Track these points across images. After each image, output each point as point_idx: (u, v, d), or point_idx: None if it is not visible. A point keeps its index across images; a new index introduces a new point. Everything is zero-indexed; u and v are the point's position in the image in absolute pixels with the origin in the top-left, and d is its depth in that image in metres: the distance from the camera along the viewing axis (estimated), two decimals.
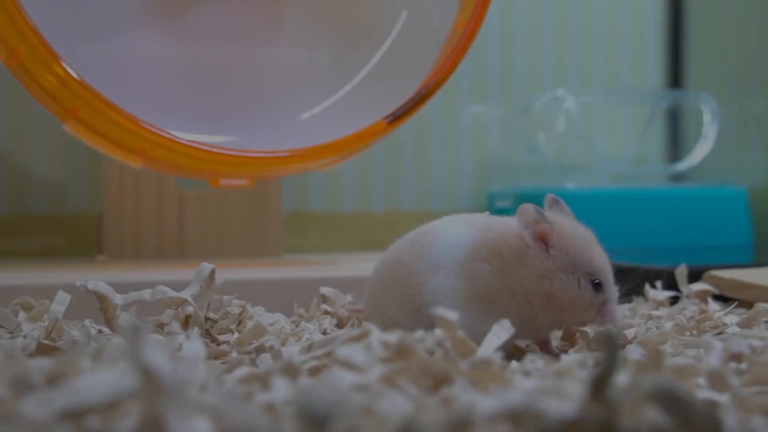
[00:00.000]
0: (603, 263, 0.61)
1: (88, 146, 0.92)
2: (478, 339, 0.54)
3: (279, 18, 1.05)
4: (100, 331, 0.66)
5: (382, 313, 0.65)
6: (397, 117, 0.95)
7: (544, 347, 0.64)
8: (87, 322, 0.67)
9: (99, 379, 0.35)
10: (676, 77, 1.48)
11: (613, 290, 0.61)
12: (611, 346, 0.34)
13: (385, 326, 0.58)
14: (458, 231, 0.63)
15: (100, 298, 0.65)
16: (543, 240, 0.61)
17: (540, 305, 0.60)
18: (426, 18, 1.03)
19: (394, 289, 0.65)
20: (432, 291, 0.62)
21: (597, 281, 0.60)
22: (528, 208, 0.60)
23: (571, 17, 1.44)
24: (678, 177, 1.45)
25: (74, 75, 0.84)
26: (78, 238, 1.18)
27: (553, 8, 1.43)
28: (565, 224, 0.62)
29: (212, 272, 0.67)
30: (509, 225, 0.62)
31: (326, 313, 0.78)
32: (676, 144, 1.48)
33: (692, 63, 1.47)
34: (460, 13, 0.99)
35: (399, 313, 0.64)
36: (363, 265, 0.94)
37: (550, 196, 0.65)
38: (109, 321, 0.65)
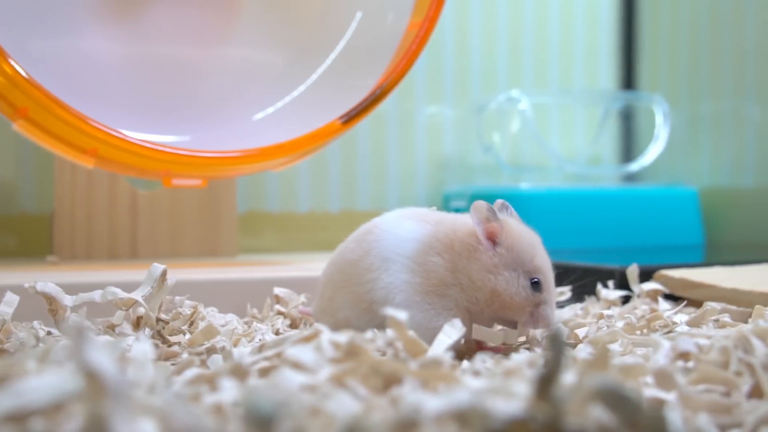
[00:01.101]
0: (544, 265, 0.63)
1: (39, 146, 0.91)
2: (432, 333, 0.55)
3: (232, 18, 1.05)
4: (49, 333, 0.65)
5: (333, 314, 0.65)
6: (351, 117, 0.95)
7: (481, 346, 0.64)
8: (36, 323, 0.66)
9: (43, 381, 0.35)
10: (628, 79, 1.50)
11: (551, 293, 0.63)
12: (557, 346, 0.34)
13: (337, 327, 0.59)
14: (408, 225, 0.64)
15: (49, 299, 0.64)
16: (492, 238, 0.62)
17: (485, 300, 0.62)
18: (380, 19, 1.03)
19: (344, 289, 0.65)
20: (383, 287, 0.62)
21: (535, 280, 0.62)
22: (481, 205, 0.62)
23: (526, 19, 1.45)
24: (631, 177, 1.46)
25: (23, 73, 0.83)
26: (28, 238, 1.16)
27: (508, 10, 1.43)
28: (514, 224, 0.64)
29: (164, 273, 0.66)
30: (460, 221, 0.64)
31: (279, 313, 0.77)
32: (629, 145, 1.49)
33: (644, 65, 1.49)
34: (414, 15, 0.99)
35: (351, 312, 0.64)
36: (317, 266, 0.94)
37: (499, 201, 0.66)
38: (59, 323, 0.64)
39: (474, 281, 0.62)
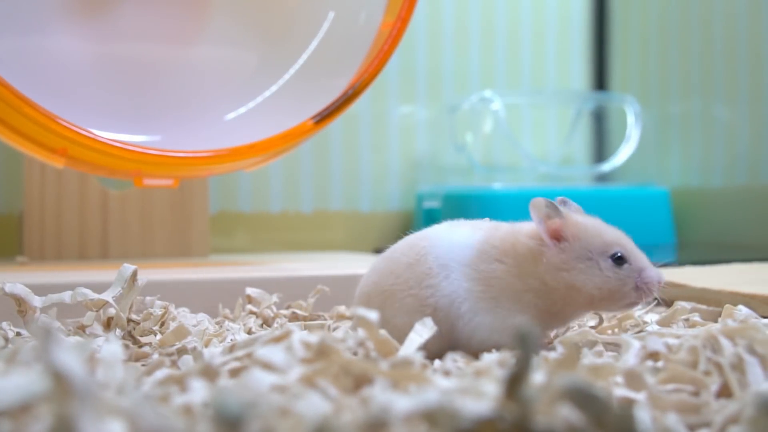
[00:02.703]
0: (618, 237, 0.61)
1: (8, 145, 0.90)
2: (504, 337, 0.56)
3: (203, 17, 1.04)
4: (18, 334, 0.65)
5: (388, 321, 0.60)
6: (323, 117, 0.95)
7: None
8: (4, 324, 0.65)
9: (11, 382, 0.35)
10: (600, 80, 1.50)
11: (639, 256, 0.60)
12: (526, 346, 0.34)
13: (393, 335, 0.56)
14: (462, 231, 0.63)
15: (18, 300, 0.64)
16: (557, 235, 0.60)
17: (562, 299, 0.60)
18: (353, 19, 1.03)
19: (399, 294, 0.62)
20: (447, 295, 0.60)
21: (617, 254, 0.59)
22: (540, 201, 0.60)
23: (498, 20, 1.45)
24: (603, 177, 1.47)
25: None
26: None
27: (480, 10, 1.44)
28: (574, 215, 0.62)
29: (134, 273, 0.66)
30: (518, 225, 0.62)
31: (251, 313, 0.77)
32: (601, 145, 1.50)
33: (616, 66, 1.50)
34: (386, 14, 0.99)
35: (410, 318, 0.59)
36: (290, 266, 0.94)
37: (559, 198, 0.63)
38: (28, 324, 0.64)
39: (547, 283, 0.60)
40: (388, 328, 0.59)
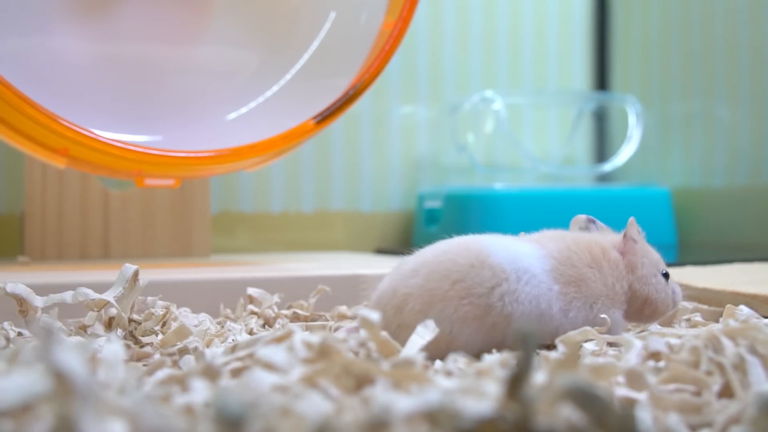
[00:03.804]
0: (662, 260, 0.68)
1: (9, 145, 0.90)
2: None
3: (204, 17, 1.05)
4: (19, 334, 0.65)
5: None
6: (325, 117, 0.95)
7: None
8: (6, 324, 0.65)
9: (12, 382, 0.35)
10: (601, 80, 1.50)
11: (672, 279, 0.68)
12: (527, 346, 0.34)
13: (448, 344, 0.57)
14: (519, 243, 0.64)
15: (20, 300, 0.64)
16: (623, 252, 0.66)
17: (633, 308, 0.66)
18: (354, 19, 1.03)
19: (455, 301, 0.59)
20: (526, 301, 0.60)
21: (664, 272, 0.67)
22: (636, 226, 0.67)
23: (499, 20, 1.45)
24: (604, 177, 1.47)
25: None
26: None
27: (481, 10, 1.44)
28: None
29: (136, 273, 0.66)
30: (592, 236, 0.67)
31: (253, 313, 0.77)
32: (602, 145, 1.50)
33: (617, 66, 1.50)
34: (388, 14, 0.99)
35: (463, 327, 0.59)
36: (291, 266, 0.94)
37: (583, 217, 0.69)
38: (29, 324, 0.64)
39: (635, 291, 0.65)
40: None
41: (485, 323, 0.59)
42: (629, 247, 0.66)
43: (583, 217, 0.68)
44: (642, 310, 0.66)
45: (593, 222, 0.68)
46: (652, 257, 0.67)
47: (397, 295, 0.60)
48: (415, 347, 0.52)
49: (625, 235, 0.66)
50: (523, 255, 0.62)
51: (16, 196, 1.15)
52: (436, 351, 0.55)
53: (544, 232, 0.67)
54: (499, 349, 0.60)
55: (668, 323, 0.70)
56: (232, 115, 1.03)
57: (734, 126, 1.30)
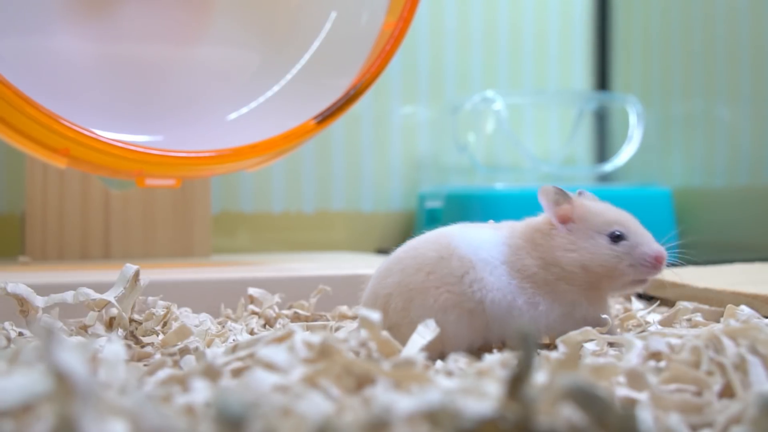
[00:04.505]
0: (620, 216, 0.63)
1: (10, 145, 0.90)
2: (568, 324, 0.60)
3: (205, 18, 1.04)
4: (20, 334, 0.65)
5: (412, 323, 0.58)
6: (325, 117, 0.95)
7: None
8: (7, 324, 0.65)
9: (13, 382, 0.35)
10: (602, 80, 1.50)
11: (639, 234, 0.62)
12: (527, 346, 0.34)
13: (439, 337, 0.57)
14: (485, 231, 0.63)
15: (20, 300, 0.64)
16: (566, 219, 0.62)
17: (584, 280, 0.62)
18: (355, 19, 1.03)
19: (432, 290, 0.60)
20: (496, 288, 0.61)
21: (616, 233, 0.62)
22: (549, 188, 0.62)
23: (500, 20, 1.45)
24: (605, 177, 1.47)
25: None
26: None
27: (482, 10, 1.44)
28: (586, 200, 0.64)
29: (136, 273, 0.66)
30: (530, 219, 0.65)
31: (253, 313, 0.77)
32: (603, 145, 1.50)
33: (618, 66, 1.50)
34: (388, 14, 0.99)
35: (446, 316, 0.60)
36: (292, 266, 0.94)
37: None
38: (30, 324, 0.64)
39: (564, 267, 0.61)
40: (410, 330, 0.58)
41: (465, 309, 0.60)
42: (557, 215, 0.62)
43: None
44: (588, 279, 0.62)
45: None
46: (591, 219, 0.62)
47: (379, 297, 0.62)
48: (416, 347, 0.52)
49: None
50: (490, 246, 0.62)
51: (16, 196, 1.15)
52: (429, 346, 0.55)
53: (497, 223, 0.66)
54: (487, 341, 0.61)
55: (669, 323, 0.70)
56: (233, 115, 1.03)
57: (735, 126, 1.30)
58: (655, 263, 0.62)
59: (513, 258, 0.62)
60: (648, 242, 0.62)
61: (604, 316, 0.63)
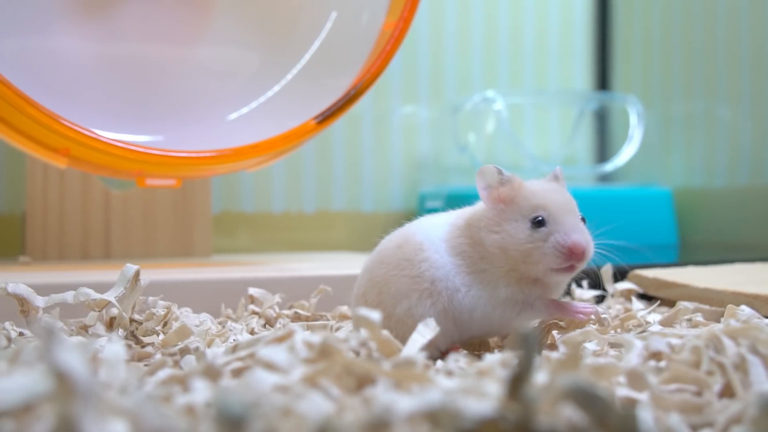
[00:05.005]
0: (549, 201, 0.59)
1: (10, 145, 0.90)
2: (502, 311, 0.59)
3: (205, 18, 1.05)
4: (21, 334, 0.65)
5: (391, 313, 0.61)
6: (326, 117, 0.95)
7: (555, 308, 0.62)
8: (7, 324, 0.65)
9: (13, 382, 0.35)
10: (603, 80, 1.50)
11: (562, 223, 0.59)
12: (528, 346, 0.34)
13: (398, 326, 0.59)
14: (438, 216, 0.64)
15: (21, 300, 0.64)
16: (504, 201, 0.60)
17: (503, 264, 0.60)
18: (355, 19, 1.03)
19: (395, 278, 0.61)
20: (441, 266, 0.61)
21: (538, 218, 0.58)
22: (487, 168, 0.60)
23: (501, 20, 1.45)
24: (605, 177, 1.47)
25: None
26: (0, 239, 1.15)
27: (483, 11, 1.44)
28: (528, 182, 0.61)
29: (137, 273, 0.66)
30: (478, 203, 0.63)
31: (254, 313, 0.77)
32: (604, 145, 1.50)
33: (618, 66, 1.50)
34: (389, 15, 0.99)
35: (410, 301, 0.60)
36: (292, 266, 0.94)
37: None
38: (31, 324, 0.64)
39: (486, 248, 0.60)
40: (390, 324, 0.60)
41: (422, 290, 0.60)
42: (485, 198, 0.61)
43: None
44: (508, 262, 0.59)
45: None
46: (519, 202, 0.59)
47: (357, 299, 0.64)
48: (416, 346, 0.52)
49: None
50: (437, 227, 0.63)
51: (17, 196, 1.15)
52: (407, 332, 0.55)
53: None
54: (460, 326, 0.60)
55: (669, 323, 0.70)
56: (234, 115, 1.03)
57: (735, 126, 1.30)
58: (569, 253, 0.58)
59: (451, 236, 0.61)
60: (568, 231, 0.58)
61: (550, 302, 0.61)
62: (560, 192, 0.61)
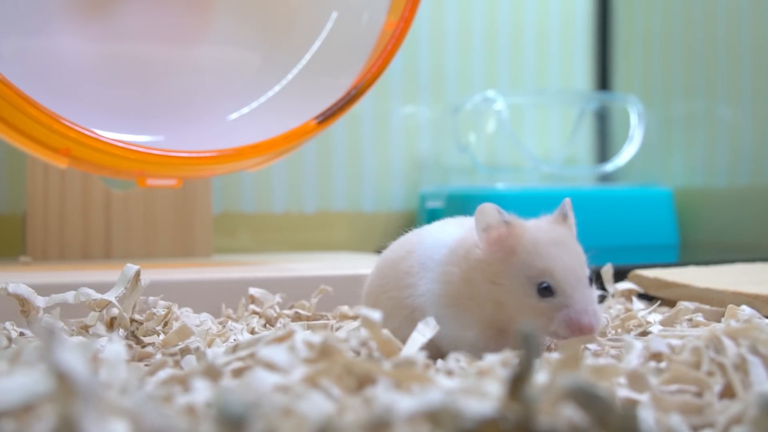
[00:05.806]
0: (557, 265, 0.54)
1: (11, 145, 0.90)
2: (463, 347, 0.53)
3: (206, 17, 1.05)
4: (21, 334, 0.65)
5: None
6: (327, 117, 0.95)
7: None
8: (8, 324, 0.66)
9: (14, 382, 0.35)
10: (603, 80, 1.50)
11: (572, 296, 0.54)
12: (529, 345, 0.34)
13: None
14: (449, 230, 0.60)
15: (21, 300, 0.64)
16: (502, 247, 0.56)
17: (494, 313, 0.56)
18: (356, 19, 1.03)
19: (383, 294, 0.61)
20: (422, 294, 0.58)
21: (544, 285, 0.54)
22: (486, 208, 0.55)
23: (501, 20, 1.45)
24: (606, 177, 1.47)
25: None
26: (0, 239, 1.15)
27: (483, 10, 1.44)
28: (530, 226, 0.57)
29: (137, 273, 0.66)
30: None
31: (254, 313, 0.77)
32: (604, 145, 1.50)
33: (619, 66, 1.50)
34: (389, 14, 0.99)
35: (392, 322, 0.57)
36: (293, 266, 0.94)
37: (566, 201, 0.59)
38: (31, 324, 0.64)
39: (481, 293, 0.56)
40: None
41: (404, 319, 0.59)
42: (483, 241, 0.56)
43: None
44: (505, 315, 0.56)
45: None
46: (524, 259, 0.54)
47: (364, 294, 0.64)
48: (416, 346, 0.52)
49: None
50: (438, 247, 0.59)
51: (17, 196, 1.15)
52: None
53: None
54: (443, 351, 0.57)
55: (670, 323, 0.70)
56: (234, 115, 1.03)
57: (736, 126, 1.30)
58: (579, 331, 0.54)
59: (447, 260, 0.58)
60: (579, 309, 0.54)
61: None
62: (567, 248, 0.56)
